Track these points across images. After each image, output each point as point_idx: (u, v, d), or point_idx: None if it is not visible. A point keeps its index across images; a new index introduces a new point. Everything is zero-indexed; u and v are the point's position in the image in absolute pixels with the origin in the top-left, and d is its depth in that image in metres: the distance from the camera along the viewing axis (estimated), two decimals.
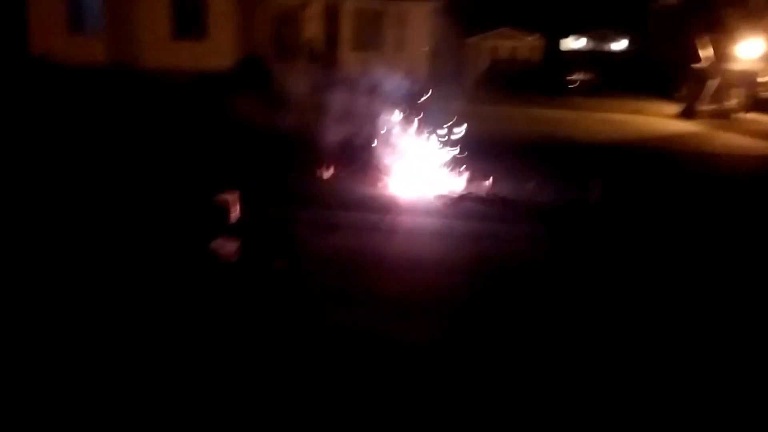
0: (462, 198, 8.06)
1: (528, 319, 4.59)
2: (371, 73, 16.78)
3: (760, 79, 22.90)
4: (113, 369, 3.59)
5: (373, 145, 8.68)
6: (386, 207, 7.55)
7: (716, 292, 5.34)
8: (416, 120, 8.74)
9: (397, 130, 8.66)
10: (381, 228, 6.76)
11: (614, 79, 30.27)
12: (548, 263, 5.88)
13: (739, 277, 5.79)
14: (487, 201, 8.05)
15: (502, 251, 6.12)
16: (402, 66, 21.43)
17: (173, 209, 6.60)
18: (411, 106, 8.87)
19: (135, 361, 3.68)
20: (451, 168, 8.59)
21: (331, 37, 27.20)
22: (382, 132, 8.67)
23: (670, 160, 12.83)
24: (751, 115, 21.69)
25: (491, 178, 8.51)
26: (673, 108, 22.75)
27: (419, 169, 8.51)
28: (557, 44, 38.65)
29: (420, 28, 27.76)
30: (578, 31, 39.95)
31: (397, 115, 8.81)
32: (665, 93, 26.00)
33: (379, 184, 8.43)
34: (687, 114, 21.49)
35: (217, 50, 24.00)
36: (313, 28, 26.69)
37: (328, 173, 8.99)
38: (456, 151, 8.78)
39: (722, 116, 21.19)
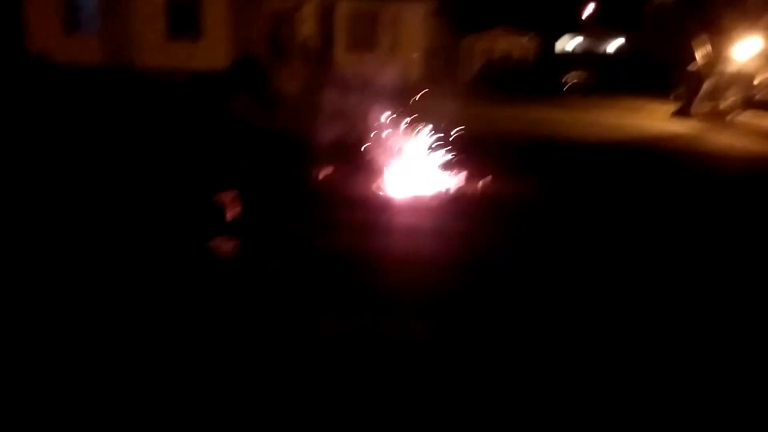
0: (459, 197, 8.08)
1: (526, 318, 4.60)
2: (366, 73, 16.80)
3: (756, 80, 23.01)
4: (110, 366, 3.58)
5: (368, 145, 8.68)
6: (382, 207, 7.56)
7: (712, 290, 5.36)
8: (411, 120, 8.74)
9: (392, 130, 8.66)
10: (377, 228, 6.76)
11: (610, 79, 30.37)
12: (545, 263, 5.89)
13: (735, 273, 5.82)
14: (484, 199, 8.07)
15: (498, 251, 6.13)
16: (397, 66, 21.51)
17: (171, 208, 6.58)
18: (405, 106, 8.88)
19: (132, 358, 3.67)
20: (446, 168, 8.60)
21: (326, 38, 27.24)
22: (377, 132, 8.67)
23: (665, 160, 12.87)
24: (747, 116, 21.78)
25: (486, 179, 8.53)
26: (669, 108, 22.84)
27: (415, 169, 8.51)
28: (552, 44, 38.73)
29: (415, 29, 27.84)
30: (573, 31, 40.04)
31: (392, 115, 8.81)
32: (661, 93, 26.10)
33: (375, 184, 8.44)
34: (682, 114, 21.58)
35: (213, 50, 24.03)
36: (308, 29, 26.72)
37: (324, 173, 8.99)
38: (451, 151, 8.80)
39: (718, 116, 21.28)
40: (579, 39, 40.36)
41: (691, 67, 23.04)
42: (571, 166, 10.93)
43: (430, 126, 8.76)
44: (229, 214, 6.27)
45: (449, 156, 8.76)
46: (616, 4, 36.47)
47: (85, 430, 3.09)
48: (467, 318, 4.54)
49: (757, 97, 23.61)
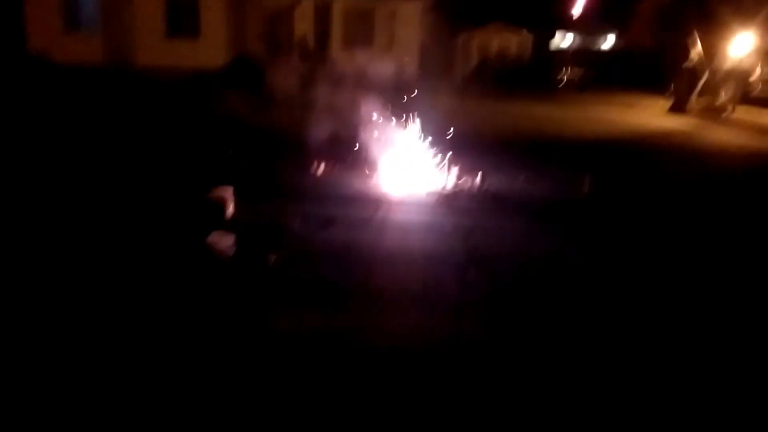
0: (453, 193, 8.14)
1: (522, 315, 4.67)
2: (363, 69, 16.85)
3: (749, 76, 23.03)
4: (109, 362, 3.64)
5: (364, 141, 8.75)
6: (378, 203, 7.63)
7: (709, 286, 5.44)
8: (407, 116, 8.81)
9: (388, 126, 8.73)
10: (373, 223, 6.83)
11: (605, 75, 30.34)
12: (540, 259, 5.96)
13: (731, 268, 5.90)
14: (479, 196, 8.13)
15: (493, 247, 6.21)
16: (393, 63, 21.54)
17: (169, 205, 6.66)
18: (401, 102, 8.94)
19: (130, 354, 3.74)
20: (442, 164, 8.66)
21: (323, 35, 27.23)
22: (373, 128, 8.74)
23: (660, 156, 12.92)
24: (743, 110, 21.79)
25: (481, 174, 8.59)
26: (664, 104, 22.82)
27: (410, 164, 8.58)
28: (547, 40, 38.67)
29: (411, 25, 27.82)
30: (568, 28, 39.95)
31: (387, 112, 8.89)
32: (656, 89, 26.07)
33: (371, 180, 8.51)
34: (677, 110, 21.58)
35: (210, 48, 24.04)
36: (304, 26, 26.71)
37: (320, 169, 9.06)
38: (446, 148, 8.87)
39: (714, 111, 21.30)
40: (574, 35, 40.30)
41: (687, 64, 23.05)
42: (567, 163, 10.98)
43: (426, 123, 8.84)
44: (227, 211, 6.36)
45: (444, 152, 8.83)
46: (612, 0, 36.44)
47: (82, 418, 3.17)
48: (461, 314, 4.62)
49: (753, 93, 23.66)
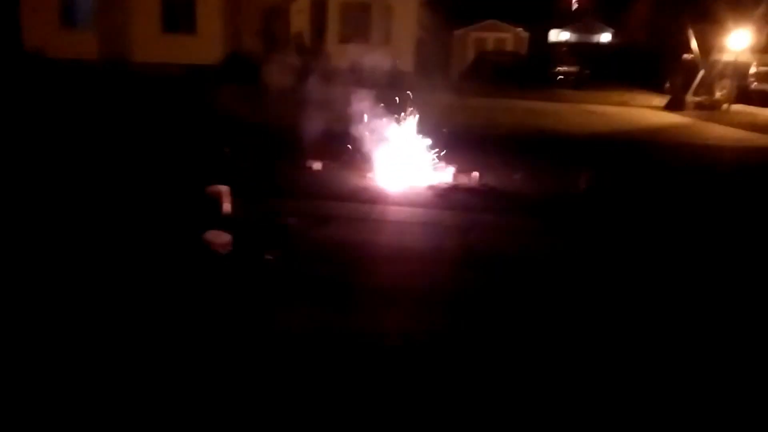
0: (451, 189, 8.15)
1: (519, 311, 4.67)
2: (359, 65, 16.82)
3: (745, 71, 23.09)
4: (105, 358, 3.64)
5: (361, 137, 8.74)
6: (376, 198, 7.62)
7: (706, 282, 5.46)
8: (403, 111, 8.80)
9: (384, 121, 8.73)
10: (371, 219, 6.83)
11: (601, 71, 30.40)
12: (538, 254, 5.96)
13: (728, 263, 5.91)
14: (477, 192, 8.15)
15: (492, 242, 6.21)
16: (389, 58, 21.52)
17: (166, 201, 6.65)
18: (397, 98, 8.93)
19: (126, 350, 3.73)
20: (440, 159, 8.67)
21: (319, 30, 27.19)
22: (369, 124, 8.74)
23: (657, 152, 12.95)
24: (738, 107, 21.85)
25: (480, 170, 8.60)
26: (661, 100, 22.88)
27: (409, 160, 8.58)
28: (543, 36, 38.68)
29: (406, 21, 27.78)
30: (563, 23, 39.96)
31: (384, 107, 8.88)
32: (653, 85, 26.14)
33: (369, 176, 8.51)
34: (674, 106, 21.64)
35: (206, 44, 23.99)
36: (300, 22, 26.66)
37: (317, 165, 9.06)
38: (442, 144, 8.88)
39: (709, 108, 21.36)
40: (571, 31, 40.32)
41: (683, 60, 23.10)
42: (565, 159, 11.00)
43: (423, 118, 8.84)
44: (223, 208, 6.35)
45: (441, 148, 8.84)
46: None
47: (81, 412, 3.16)
48: (459, 310, 4.63)
49: (749, 89, 23.72)
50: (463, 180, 8.43)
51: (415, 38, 28.14)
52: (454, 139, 9.07)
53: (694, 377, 3.79)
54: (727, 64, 22.35)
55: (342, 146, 9.05)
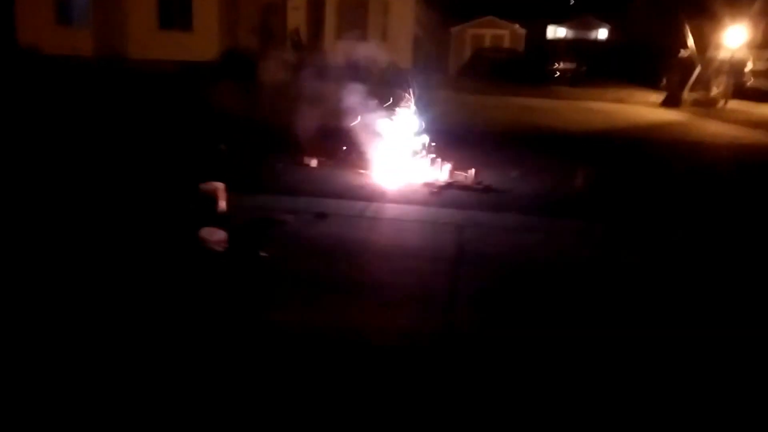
0: (447, 186, 8.15)
1: (518, 310, 4.67)
2: (356, 61, 16.81)
3: (742, 68, 23.10)
4: (100, 354, 3.63)
5: (357, 134, 8.73)
6: (372, 195, 7.62)
7: (703, 278, 5.47)
8: (400, 108, 8.79)
9: (382, 118, 8.72)
10: (367, 216, 6.83)
11: (598, 68, 30.41)
12: (535, 251, 5.96)
13: (723, 259, 5.92)
14: (473, 189, 8.14)
15: (488, 239, 6.21)
16: (386, 54, 21.49)
17: (160, 199, 6.64)
18: (394, 95, 8.92)
19: (122, 347, 3.73)
20: (436, 156, 8.66)
21: (316, 27, 27.16)
22: (367, 120, 8.73)
23: (653, 149, 12.96)
24: (735, 104, 21.86)
25: (476, 167, 8.60)
26: (658, 97, 22.87)
27: (405, 157, 8.58)
28: (540, 33, 38.66)
29: (403, 18, 27.77)
30: (560, 20, 39.95)
31: (380, 104, 8.87)
32: (649, 81, 26.13)
33: (365, 173, 8.50)
34: (671, 102, 21.64)
35: (203, 41, 23.96)
36: (297, 18, 26.63)
37: (314, 162, 9.05)
38: (439, 141, 8.89)
39: (706, 105, 21.36)
40: (567, 28, 40.31)
41: (679, 57, 23.11)
42: (561, 156, 11.00)
43: (419, 115, 8.83)
44: (219, 205, 6.34)
45: (438, 144, 8.84)
46: None
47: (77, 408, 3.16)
48: (456, 308, 4.63)
49: (745, 86, 23.75)
50: (460, 177, 8.42)
51: (413, 35, 28.12)
52: (450, 137, 9.06)
53: (693, 376, 3.79)
54: (723, 60, 22.36)
55: (338, 143, 9.04)
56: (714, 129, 16.64)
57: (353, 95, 9.02)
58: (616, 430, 3.26)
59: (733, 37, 21.91)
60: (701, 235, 6.68)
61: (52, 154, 8.62)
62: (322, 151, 9.17)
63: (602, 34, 40.51)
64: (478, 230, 6.46)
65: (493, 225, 6.71)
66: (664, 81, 24.25)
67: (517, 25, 35.09)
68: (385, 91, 9.06)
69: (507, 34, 34.98)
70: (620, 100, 22.74)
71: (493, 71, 28.70)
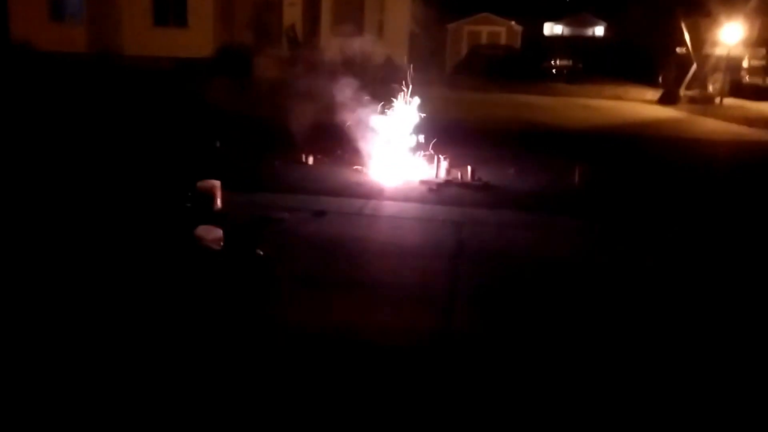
0: (445, 184, 8.12)
1: (516, 307, 4.64)
2: (351, 59, 16.75)
3: (738, 65, 23.13)
4: (98, 352, 3.60)
5: (354, 131, 8.70)
6: (369, 193, 7.59)
7: (700, 274, 5.45)
8: (396, 105, 8.76)
9: (378, 115, 8.68)
10: (364, 214, 6.79)
11: (595, 65, 30.45)
12: (532, 248, 5.94)
13: (720, 255, 5.91)
14: (470, 186, 8.12)
15: (486, 236, 6.19)
16: (383, 51, 21.46)
17: (156, 197, 6.60)
18: (391, 92, 8.89)
19: (119, 345, 3.69)
20: (433, 154, 8.64)
21: (312, 23, 27.09)
22: (363, 117, 8.69)
23: (649, 146, 12.96)
24: (732, 101, 21.89)
25: (473, 164, 8.57)
26: (652, 94, 22.91)
27: (402, 154, 8.55)
28: (537, 30, 38.68)
29: (400, 14, 27.71)
30: (557, 17, 39.97)
31: (376, 101, 8.84)
32: (646, 78, 26.16)
33: (362, 170, 8.47)
34: (667, 99, 21.66)
35: (198, 37, 23.86)
36: (293, 15, 26.54)
37: (310, 159, 9.01)
38: (436, 138, 8.85)
39: (703, 102, 21.39)
40: (563, 25, 40.34)
41: (678, 52, 23.13)
42: (558, 153, 10.99)
43: (416, 112, 8.80)
44: (215, 204, 6.31)
45: (435, 142, 8.81)
46: None
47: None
48: (454, 306, 4.60)
49: (743, 81, 23.79)
50: (457, 174, 8.40)
51: (409, 31, 28.08)
52: (447, 134, 9.03)
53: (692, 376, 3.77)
54: (719, 58, 22.39)
55: (335, 140, 9.01)
56: (710, 126, 16.66)
57: (350, 92, 8.99)
58: (615, 430, 3.24)
59: (729, 35, 21.93)
60: (697, 231, 6.67)
61: (47, 153, 8.57)
62: (319, 149, 9.14)
63: (599, 31, 40.52)
64: (476, 227, 6.44)
65: (491, 222, 6.69)
66: (661, 78, 24.28)
67: (513, 22, 35.10)
68: (381, 87, 9.03)
69: (503, 30, 35.00)
70: (617, 98, 22.77)
71: (489, 68, 28.70)
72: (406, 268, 5.20)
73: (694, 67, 22.20)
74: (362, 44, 21.17)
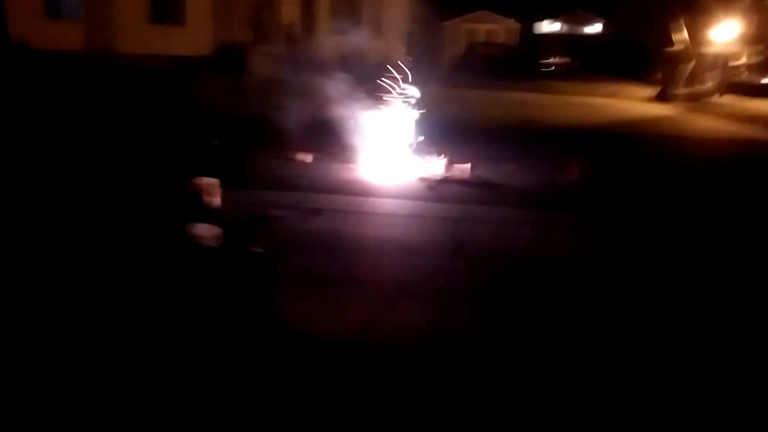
0: (443, 181, 8.12)
1: (514, 304, 4.65)
2: (349, 56, 16.73)
3: (734, 63, 23.12)
4: (95, 351, 3.60)
5: (351, 128, 8.69)
6: (366, 190, 7.59)
7: (698, 272, 5.46)
8: (394, 102, 8.75)
9: (375, 112, 8.68)
10: (362, 211, 6.79)
11: (590, 63, 30.44)
12: (531, 245, 5.94)
13: (718, 253, 5.92)
14: (468, 184, 8.12)
15: (485, 234, 6.19)
16: (380, 49, 21.45)
17: (153, 195, 6.59)
18: (388, 89, 8.88)
19: (115, 344, 3.70)
20: (431, 151, 8.63)
21: (310, 21, 27.06)
22: (360, 115, 8.69)
23: (646, 144, 12.97)
24: (726, 99, 21.89)
25: (471, 161, 8.57)
26: (649, 91, 22.91)
27: (400, 152, 8.55)
28: (535, 27, 38.71)
29: (398, 12, 27.72)
30: (554, 14, 39.98)
31: (374, 98, 8.83)
32: (641, 76, 26.17)
33: (359, 168, 8.46)
34: (662, 97, 21.68)
35: (195, 36, 23.82)
36: (291, 13, 26.51)
37: (308, 157, 9.00)
38: (433, 135, 8.85)
39: (697, 100, 21.39)
40: (560, 23, 40.37)
41: (674, 50, 23.10)
42: (555, 150, 10.99)
43: (414, 109, 8.80)
44: (212, 202, 6.29)
45: (433, 139, 8.81)
46: None
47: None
48: (451, 304, 4.60)
49: (739, 79, 23.77)
50: (455, 172, 8.40)
51: (407, 29, 28.07)
52: (445, 131, 9.02)
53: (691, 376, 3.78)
54: (716, 55, 22.39)
55: (332, 138, 9.00)
56: (706, 123, 16.68)
57: (346, 89, 8.98)
58: (615, 429, 3.25)
59: (726, 32, 21.92)
60: (694, 228, 6.68)
61: (44, 151, 8.54)
62: (317, 146, 9.13)
63: (596, 28, 40.53)
64: (474, 224, 6.45)
65: (489, 219, 6.69)
66: (658, 76, 24.28)
67: (510, 20, 35.10)
68: (379, 85, 9.02)
69: (501, 28, 35.01)
70: (614, 95, 22.78)
71: (487, 66, 28.70)
72: (404, 265, 5.20)
73: (691, 64, 22.19)
74: (360, 42, 21.18)
